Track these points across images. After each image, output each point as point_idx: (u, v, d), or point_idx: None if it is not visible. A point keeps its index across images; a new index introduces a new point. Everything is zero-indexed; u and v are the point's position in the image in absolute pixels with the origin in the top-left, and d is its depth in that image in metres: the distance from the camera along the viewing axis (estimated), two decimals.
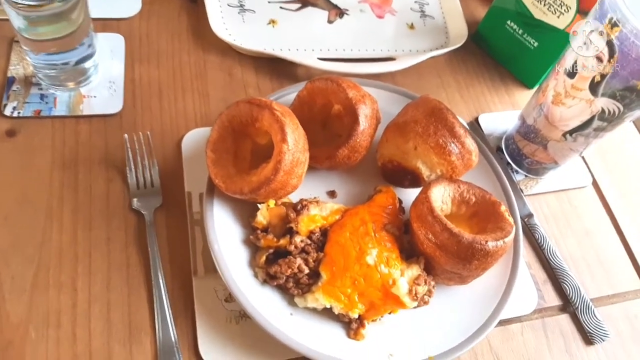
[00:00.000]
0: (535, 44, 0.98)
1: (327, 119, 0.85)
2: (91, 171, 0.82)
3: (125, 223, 0.79)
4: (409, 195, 0.80)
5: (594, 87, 0.73)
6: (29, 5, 0.72)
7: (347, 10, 1.07)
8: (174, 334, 0.72)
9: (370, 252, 0.72)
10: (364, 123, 0.78)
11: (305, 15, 1.04)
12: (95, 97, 0.88)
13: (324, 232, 0.75)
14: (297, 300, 0.73)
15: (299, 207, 0.76)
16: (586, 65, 0.73)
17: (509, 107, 1.03)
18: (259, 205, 0.76)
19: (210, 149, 0.75)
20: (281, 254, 0.74)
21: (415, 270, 0.73)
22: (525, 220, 0.89)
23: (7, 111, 0.84)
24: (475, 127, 0.98)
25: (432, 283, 0.75)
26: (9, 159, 0.81)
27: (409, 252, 0.77)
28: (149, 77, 0.92)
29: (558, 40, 0.93)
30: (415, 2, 1.12)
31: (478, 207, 0.77)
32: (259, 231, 0.75)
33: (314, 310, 0.73)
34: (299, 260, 0.72)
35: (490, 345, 0.78)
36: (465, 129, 0.77)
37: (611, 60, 0.69)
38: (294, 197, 0.80)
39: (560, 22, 0.93)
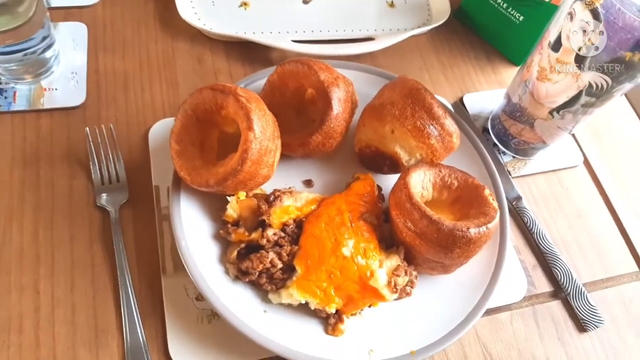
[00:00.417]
0: (521, 18, 0.94)
1: (301, 104, 0.80)
2: (53, 167, 0.78)
3: (90, 220, 0.75)
4: (390, 181, 0.76)
5: (580, 61, 0.69)
6: None
7: None
8: (142, 336, 0.68)
9: (347, 243, 0.68)
10: (337, 107, 0.73)
11: None
12: (56, 89, 0.84)
13: (299, 224, 0.71)
14: (271, 296, 0.69)
15: (271, 199, 0.72)
16: (570, 37, 0.68)
17: (496, 86, 0.99)
18: (228, 197, 0.72)
19: (174, 140, 0.71)
20: (254, 248, 0.70)
21: (394, 261, 0.69)
22: (514, 203, 0.85)
23: None
24: (459, 107, 0.94)
25: (414, 273, 0.71)
26: None
27: (390, 241, 0.73)
28: (114, 67, 0.88)
29: (544, 13, 0.89)
30: None
31: (461, 191, 0.73)
32: (229, 225, 0.71)
33: (289, 306, 0.69)
34: (271, 255, 0.68)
35: (477, 336, 0.75)
36: (445, 110, 0.73)
37: (597, 30, 0.65)
38: (267, 188, 0.76)
39: None
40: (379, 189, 0.76)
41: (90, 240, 0.74)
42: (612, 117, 0.99)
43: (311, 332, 0.68)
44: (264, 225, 0.70)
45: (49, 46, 0.82)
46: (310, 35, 0.95)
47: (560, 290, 0.79)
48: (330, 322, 0.68)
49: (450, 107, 0.92)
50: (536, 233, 0.82)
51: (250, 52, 0.93)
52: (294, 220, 0.71)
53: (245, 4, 0.97)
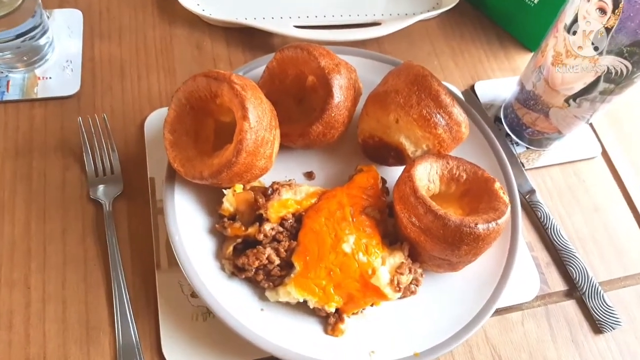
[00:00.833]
0: (536, 1, 0.88)
1: (302, 92, 0.77)
2: (46, 159, 0.76)
3: (83, 213, 0.73)
4: (395, 173, 0.72)
5: (597, 44, 0.64)
6: None
7: None
8: (134, 333, 0.66)
9: (347, 239, 0.65)
10: (338, 95, 0.69)
11: None
12: (50, 78, 0.81)
13: (299, 219, 0.68)
14: (268, 294, 0.66)
15: (269, 192, 0.69)
16: (588, 18, 0.63)
17: (509, 73, 0.94)
18: (224, 190, 0.68)
19: (168, 130, 0.68)
20: (251, 243, 0.67)
21: (398, 258, 0.66)
22: (527, 197, 0.80)
23: None
24: (470, 96, 0.89)
25: (419, 271, 0.68)
26: None
27: (395, 237, 0.69)
28: (110, 54, 0.85)
29: None
30: None
31: (470, 184, 0.69)
32: (225, 219, 0.68)
33: (287, 304, 0.66)
34: (268, 250, 0.65)
35: (486, 337, 0.71)
36: (452, 98, 0.69)
37: (616, 10, 0.60)
38: (266, 181, 0.73)
39: None
40: (383, 181, 0.72)
41: (83, 233, 0.71)
42: (633, 106, 0.94)
43: (310, 332, 0.65)
44: (261, 220, 0.67)
45: (43, 33, 0.80)
46: (313, 20, 0.91)
47: (575, 290, 0.75)
48: (330, 321, 0.65)
49: (460, 95, 0.88)
50: (550, 228, 0.78)
51: (251, 39, 0.89)
52: (293, 215, 0.68)
53: None
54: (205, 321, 0.67)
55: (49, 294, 0.67)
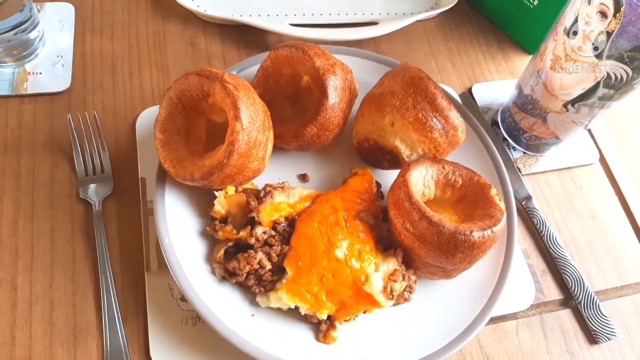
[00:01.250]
0: (535, 2, 0.87)
1: (297, 92, 0.75)
2: (35, 156, 0.74)
3: (72, 213, 0.71)
4: (391, 177, 0.70)
5: (598, 48, 0.63)
6: None
7: None
8: (122, 337, 0.64)
9: (340, 245, 0.64)
10: (333, 96, 0.68)
11: None
12: (41, 73, 0.79)
13: (291, 222, 0.67)
14: (259, 299, 0.65)
15: (262, 194, 0.67)
16: (589, 22, 0.62)
17: (507, 75, 0.93)
18: (216, 192, 0.67)
19: (159, 129, 0.66)
20: (242, 247, 0.66)
21: (391, 265, 0.64)
22: (523, 203, 0.79)
23: None
24: (468, 99, 0.88)
25: (413, 278, 0.67)
26: None
27: (389, 242, 0.68)
28: (102, 50, 0.83)
29: None
30: None
31: (465, 190, 0.67)
32: (216, 222, 0.67)
33: (278, 310, 0.65)
34: (259, 255, 0.64)
35: (480, 346, 0.70)
36: (449, 101, 0.67)
37: (617, 14, 0.59)
38: (259, 183, 0.71)
39: None
40: (378, 185, 0.71)
41: (71, 233, 0.70)
42: (632, 112, 0.93)
43: (301, 339, 0.64)
44: (253, 223, 0.66)
45: (34, 27, 0.78)
46: (309, 18, 0.90)
47: (570, 299, 0.74)
48: (322, 328, 0.64)
49: (457, 97, 0.86)
50: (546, 236, 0.76)
51: (246, 36, 0.88)
52: (286, 218, 0.67)
53: None
54: (195, 326, 0.66)
55: (35, 295, 0.66)
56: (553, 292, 0.74)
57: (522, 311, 0.72)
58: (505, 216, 0.63)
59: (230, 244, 0.66)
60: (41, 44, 0.81)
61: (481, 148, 0.76)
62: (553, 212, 0.81)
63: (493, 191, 0.66)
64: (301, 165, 0.76)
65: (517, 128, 0.82)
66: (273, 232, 0.66)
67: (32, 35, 0.79)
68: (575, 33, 0.64)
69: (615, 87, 0.66)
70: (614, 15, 0.59)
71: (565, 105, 0.72)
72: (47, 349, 0.64)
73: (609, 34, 0.61)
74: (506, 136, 0.85)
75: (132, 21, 0.87)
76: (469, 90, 0.89)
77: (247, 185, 0.70)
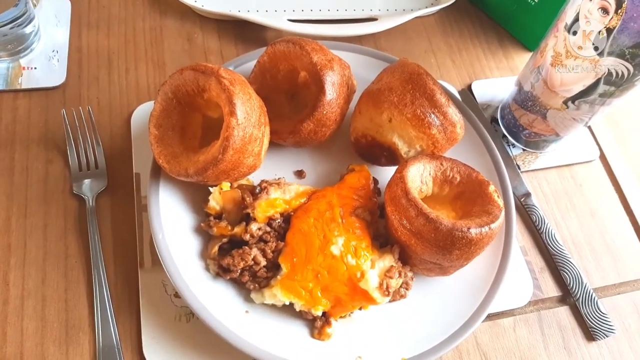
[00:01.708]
0: None
1: (294, 88, 0.75)
2: (29, 151, 0.74)
3: (65, 208, 0.71)
4: (388, 174, 0.70)
5: (599, 45, 0.62)
6: None
7: None
8: (115, 333, 0.64)
9: (336, 241, 0.63)
10: (331, 92, 0.67)
11: None
12: (35, 68, 0.79)
13: (287, 219, 0.66)
14: (253, 295, 0.64)
15: (257, 190, 0.67)
16: (589, 19, 0.61)
17: (508, 72, 0.92)
18: (211, 188, 0.66)
19: (153, 124, 0.66)
20: (237, 243, 0.65)
21: (388, 261, 0.64)
22: (522, 200, 0.79)
23: None
24: (467, 95, 0.87)
25: (410, 274, 0.66)
26: None
27: (386, 238, 0.67)
28: (98, 45, 0.83)
29: None
30: None
31: (464, 187, 0.67)
32: (211, 218, 0.66)
33: (273, 307, 0.64)
34: (254, 251, 0.63)
35: (477, 343, 0.69)
36: (448, 97, 0.67)
37: (619, 10, 0.58)
38: (255, 179, 0.71)
39: None
40: (375, 181, 0.71)
41: (65, 229, 0.70)
42: (633, 109, 0.92)
43: (296, 336, 0.63)
44: (248, 219, 0.65)
45: (29, 22, 0.77)
46: (308, 14, 0.89)
47: (568, 296, 0.74)
48: (317, 325, 0.63)
49: (457, 94, 0.86)
50: (545, 233, 0.76)
51: (244, 32, 0.87)
52: (281, 215, 0.66)
53: None
54: (188, 322, 0.66)
55: (28, 291, 0.66)
56: (551, 289, 0.74)
57: (520, 308, 0.72)
58: (503, 213, 0.62)
59: (224, 240, 0.65)
60: (36, 38, 0.80)
61: (480, 145, 0.75)
62: (552, 209, 0.80)
63: (491, 188, 0.65)
64: (298, 161, 0.75)
65: (517, 125, 0.81)
66: (268, 229, 0.65)
67: (28, 29, 0.78)
68: (575, 33, 0.64)
69: (616, 84, 0.65)
70: (616, 12, 0.58)
71: (565, 102, 0.71)
72: (39, 345, 0.63)
73: (610, 31, 0.60)
74: (506, 133, 0.84)
75: (128, 16, 0.86)
76: (469, 87, 0.89)
77: (243, 181, 0.70)
